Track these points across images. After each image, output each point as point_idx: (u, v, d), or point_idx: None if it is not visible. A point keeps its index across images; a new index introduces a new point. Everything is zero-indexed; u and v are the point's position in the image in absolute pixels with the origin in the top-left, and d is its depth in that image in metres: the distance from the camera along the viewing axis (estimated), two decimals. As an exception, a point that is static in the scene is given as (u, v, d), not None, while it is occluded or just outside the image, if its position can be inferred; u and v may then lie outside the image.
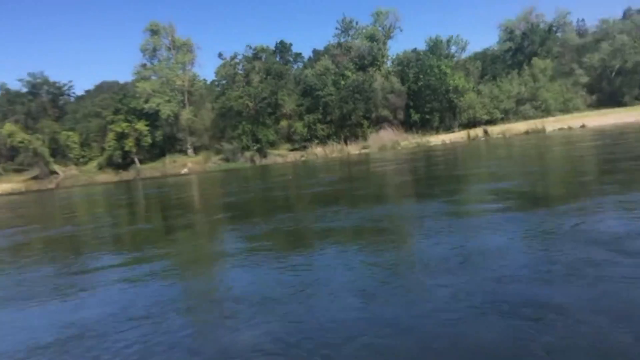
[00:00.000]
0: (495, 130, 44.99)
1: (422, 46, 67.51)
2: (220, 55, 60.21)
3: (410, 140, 48.13)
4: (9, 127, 56.64)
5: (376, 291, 4.75)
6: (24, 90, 68.51)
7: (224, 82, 62.38)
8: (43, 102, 68.25)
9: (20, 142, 55.34)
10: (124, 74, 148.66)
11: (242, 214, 13.08)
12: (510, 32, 66.79)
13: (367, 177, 21.41)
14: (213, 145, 58.66)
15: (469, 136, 44.19)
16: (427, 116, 57.80)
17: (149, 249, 9.12)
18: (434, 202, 10.60)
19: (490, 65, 63.80)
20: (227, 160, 55.88)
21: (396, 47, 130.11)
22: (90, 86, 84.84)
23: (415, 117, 57.54)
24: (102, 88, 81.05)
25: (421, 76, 58.12)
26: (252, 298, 4.96)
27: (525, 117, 53.66)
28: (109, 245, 10.30)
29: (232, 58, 59.52)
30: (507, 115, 55.78)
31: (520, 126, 43.51)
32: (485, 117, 54.95)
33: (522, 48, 64.98)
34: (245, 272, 6.22)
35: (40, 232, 14.35)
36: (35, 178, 58.30)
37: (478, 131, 45.38)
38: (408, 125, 57.57)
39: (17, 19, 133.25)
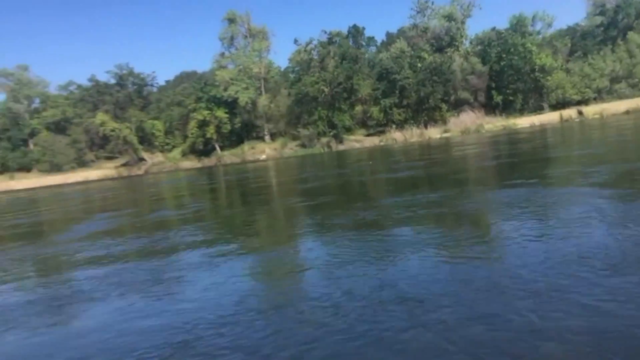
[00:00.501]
0: (590, 110, 42.06)
1: (503, 25, 64.37)
2: (295, 41, 60.52)
3: (495, 123, 46.09)
4: (101, 116, 60.20)
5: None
6: (112, 81, 72.51)
7: (298, 68, 62.74)
8: (129, 93, 71.90)
9: (112, 130, 58.71)
10: (202, 64, 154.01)
11: (327, 200, 12.97)
12: (601, 5, 61.98)
13: (457, 161, 20.56)
14: (289, 131, 59.30)
15: (561, 118, 41.63)
16: (511, 97, 55.18)
17: (240, 238, 9.15)
18: (545, 188, 9.85)
19: (579, 42, 59.69)
20: (303, 146, 56.30)
21: (475, 27, 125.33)
22: (170, 76, 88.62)
23: (498, 98, 55.08)
24: (182, 78, 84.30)
25: (504, 55, 55.42)
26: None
27: (621, 97, 49.78)
28: (207, 231, 10.49)
29: (308, 44, 59.62)
30: (600, 95, 52.06)
31: (619, 105, 40.35)
32: (576, 97, 51.59)
33: (616, 22, 60.18)
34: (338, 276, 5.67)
35: (140, 215, 14.98)
36: (125, 165, 61.75)
37: (571, 112, 42.63)
38: (489, 108, 55.27)
39: (105, 14, 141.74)
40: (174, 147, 65.74)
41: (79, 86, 75.15)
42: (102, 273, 6.99)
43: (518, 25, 60.63)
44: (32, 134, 69.80)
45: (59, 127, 69.49)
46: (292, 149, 56.77)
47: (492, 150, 23.87)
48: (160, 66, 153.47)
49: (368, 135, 58.01)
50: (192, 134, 58.69)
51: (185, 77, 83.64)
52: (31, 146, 69.41)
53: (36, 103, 73.83)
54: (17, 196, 41.32)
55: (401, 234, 7.26)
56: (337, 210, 10.35)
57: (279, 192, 18.31)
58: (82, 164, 66.78)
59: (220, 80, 57.81)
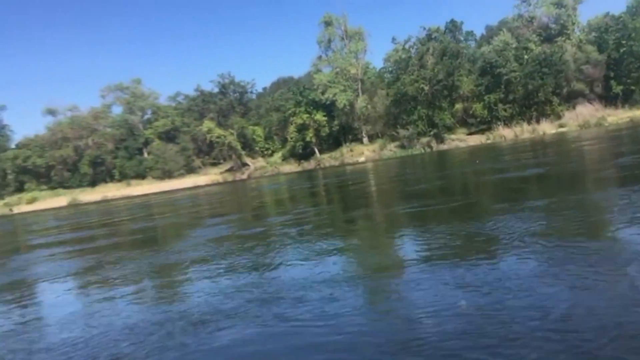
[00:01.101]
0: None
1: (618, 9, 58.75)
2: (393, 40, 59.64)
3: (618, 116, 42.00)
4: (207, 123, 63.32)
5: None
6: (216, 90, 76.10)
7: (395, 67, 61.79)
8: (231, 101, 75.02)
9: (217, 137, 61.50)
10: (298, 69, 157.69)
11: (442, 206, 12.04)
12: None
13: (585, 157, 18.61)
14: (387, 132, 58.45)
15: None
16: (632, 87, 50.23)
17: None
18: None
19: None
20: (402, 147, 55.16)
21: (586, 13, 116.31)
22: (267, 83, 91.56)
23: (617, 89, 50.36)
24: (278, 84, 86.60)
25: (623, 42, 50.62)
26: None
27: None
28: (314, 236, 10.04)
29: (406, 41, 58.46)
30: None
31: None
32: None
33: None
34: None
35: (250, 221, 15.02)
36: (229, 170, 64.40)
37: None
38: (609, 99, 50.62)
39: (209, 26, 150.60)
40: (273, 152, 67.47)
41: (186, 96, 79.91)
42: (232, 285, 6.83)
43: (638, 9, 55.04)
44: (146, 143, 75.13)
45: (169, 136, 74.16)
46: (391, 150, 55.84)
47: (621, 145, 21.51)
48: (259, 73, 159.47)
49: (470, 133, 55.61)
50: (291, 138, 59.82)
51: (282, 83, 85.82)
52: (145, 155, 74.71)
53: (148, 114, 79.45)
54: (133, 202, 44.45)
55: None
56: (461, 221, 9.23)
57: (383, 196, 17.68)
58: (190, 170, 70.68)
59: (318, 84, 58.34)
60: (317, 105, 58.37)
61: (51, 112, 79.18)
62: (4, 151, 77.45)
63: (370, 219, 11.90)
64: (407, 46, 58.61)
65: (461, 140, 53.79)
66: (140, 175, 72.52)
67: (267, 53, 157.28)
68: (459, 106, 56.93)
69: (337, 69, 59.99)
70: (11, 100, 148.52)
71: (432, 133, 53.99)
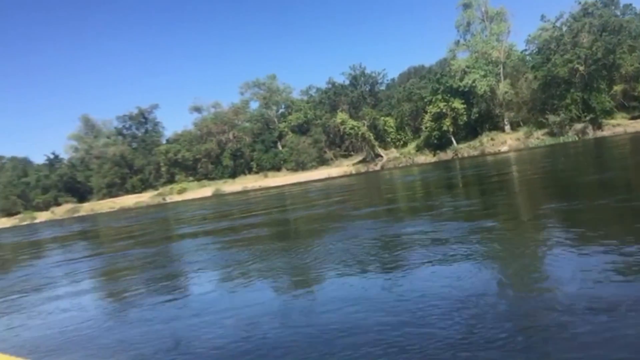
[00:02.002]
0: None
1: None
2: (542, 17, 54.56)
3: None
4: (341, 115, 63.62)
5: None
6: (346, 82, 76.40)
7: (541, 48, 56.60)
8: (362, 92, 74.75)
9: (351, 128, 61.45)
10: (429, 58, 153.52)
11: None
12: None
13: None
14: (532, 119, 53.82)
15: None
16: None
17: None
18: None
19: None
20: (552, 134, 50.35)
21: None
22: (396, 73, 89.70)
23: None
24: (409, 74, 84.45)
25: None
26: None
27: None
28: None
29: (557, 18, 53.14)
30: None
31: None
32: None
33: None
34: None
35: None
36: (362, 161, 64.13)
37: None
38: None
39: (337, 18, 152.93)
40: (404, 142, 65.83)
41: (318, 89, 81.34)
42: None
43: None
44: (280, 136, 77.93)
45: (302, 129, 76.06)
46: (538, 138, 51.29)
47: None
48: (388, 63, 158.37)
49: (632, 118, 49.04)
50: (426, 127, 57.65)
51: (412, 73, 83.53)
52: (280, 147, 77.53)
53: (282, 108, 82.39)
54: (268, 193, 45.89)
55: None
56: None
57: (537, 190, 15.29)
58: (322, 162, 71.81)
59: (456, 70, 55.44)
60: (454, 93, 55.52)
61: (197, 109, 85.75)
62: (157, 146, 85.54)
63: (551, 216, 9.97)
64: (558, 24, 53.25)
65: (622, 125, 47.66)
66: (276, 167, 75.39)
67: (397, 42, 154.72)
68: (617, 88, 50.53)
69: (477, 54, 56.50)
70: (162, 100, 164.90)
71: (587, 118, 48.56)
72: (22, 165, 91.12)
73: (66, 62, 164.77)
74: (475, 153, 53.24)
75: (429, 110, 56.49)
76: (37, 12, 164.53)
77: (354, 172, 61.48)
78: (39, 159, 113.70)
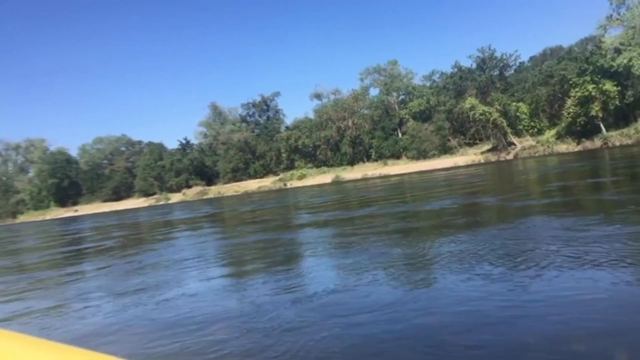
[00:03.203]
0: None
1: None
2: None
3: None
4: (470, 100, 59.65)
5: None
6: (473, 66, 71.81)
7: None
8: (491, 76, 69.78)
9: (481, 114, 57.31)
10: (566, 37, 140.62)
11: None
12: None
13: None
14: None
15: None
16: None
17: None
18: None
19: None
20: None
21: None
22: (527, 56, 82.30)
23: None
24: (544, 55, 77.35)
25: None
26: None
27: None
28: None
29: None
30: None
31: None
32: None
33: None
34: None
35: None
36: (491, 150, 59.78)
37: None
38: None
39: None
40: (539, 130, 60.18)
41: (442, 74, 77.57)
42: None
43: None
44: (401, 124, 75.61)
45: (423, 116, 73.07)
46: None
47: None
48: (520, 45, 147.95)
49: None
50: (569, 113, 51.83)
51: (548, 54, 76.31)
52: (399, 135, 75.27)
53: (403, 94, 79.86)
54: (389, 181, 44.10)
55: None
56: None
57: None
58: (445, 150, 68.40)
59: (607, 48, 49.05)
60: (605, 74, 49.21)
61: (317, 96, 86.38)
62: (278, 132, 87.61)
63: None
64: None
65: None
66: (395, 155, 73.39)
67: (531, 21, 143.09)
68: None
69: (633, 29, 49.48)
70: (284, 87, 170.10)
71: None
72: (158, 150, 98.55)
73: (196, 53, 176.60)
74: (629, 142, 46.83)
75: (573, 94, 50.66)
76: (172, 8, 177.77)
77: (482, 161, 57.46)
78: (172, 144, 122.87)
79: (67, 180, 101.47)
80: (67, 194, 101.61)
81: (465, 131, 69.17)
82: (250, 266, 9.97)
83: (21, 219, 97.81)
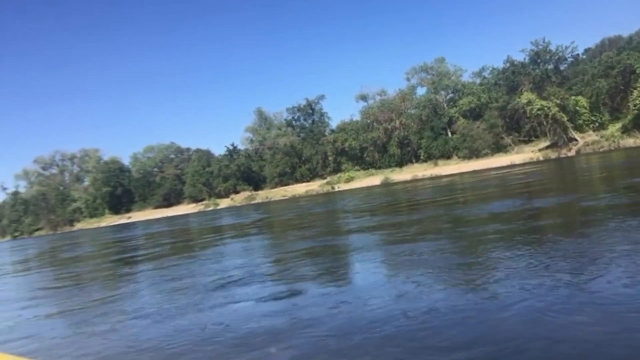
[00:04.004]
0: None
1: None
2: None
3: None
4: (527, 95, 56.95)
5: None
6: (527, 60, 68.85)
7: None
8: (546, 70, 66.66)
9: (539, 109, 54.54)
10: (626, 27, 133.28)
11: None
12: None
13: None
14: None
15: None
16: None
17: None
18: None
19: None
20: None
21: None
22: (583, 47, 77.86)
23: None
24: (603, 46, 73.36)
25: None
26: None
27: None
28: None
29: None
30: None
31: None
32: None
33: None
34: None
35: None
36: (550, 147, 56.83)
37: None
38: None
39: None
40: (600, 124, 56.85)
41: (493, 70, 74.85)
42: None
43: None
44: (450, 123, 73.36)
45: (474, 114, 70.61)
46: None
47: None
48: (574, 37, 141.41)
49: None
50: (635, 105, 48.64)
51: (607, 45, 72.29)
52: (449, 134, 73.03)
53: (452, 92, 77.53)
54: (440, 183, 42.39)
55: None
56: None
57: None
58: (498, 148, 65.76)
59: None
60: (676, 61, 45.92)
61: (363, 97, 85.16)
62: (324, 136, 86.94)
63: None
64: None
65: None
66: (446, 155, 71.25)
67: (588, 11, 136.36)
68: None
69: None
70: (329, 90, 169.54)
71: None
72: (206, 157, 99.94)
73: (241, 60, 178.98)
74: None
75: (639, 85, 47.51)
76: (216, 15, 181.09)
77: (541, 158, 54.69)
78: (219, 150, 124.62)
79: (120, 188, 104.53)
80: (120, 202, 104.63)
81: (519, 128, 66.20)
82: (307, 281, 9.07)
83: (78, 226, 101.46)
